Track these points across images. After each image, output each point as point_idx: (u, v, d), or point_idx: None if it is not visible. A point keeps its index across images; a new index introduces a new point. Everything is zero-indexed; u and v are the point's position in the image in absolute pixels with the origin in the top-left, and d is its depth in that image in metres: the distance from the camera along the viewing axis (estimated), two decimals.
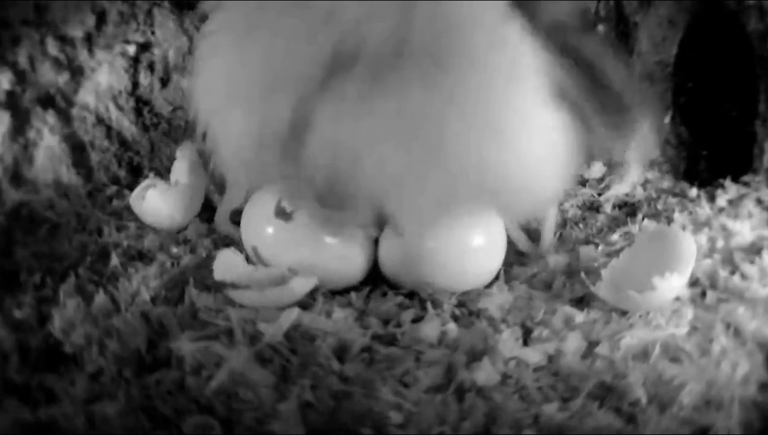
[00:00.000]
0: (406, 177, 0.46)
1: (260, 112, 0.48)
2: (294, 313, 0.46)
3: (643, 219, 0.63)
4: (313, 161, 0.47)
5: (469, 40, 0.46)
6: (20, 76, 0.66)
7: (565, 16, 0.51)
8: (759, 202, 0.65)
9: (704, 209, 0.64)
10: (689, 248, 0.50)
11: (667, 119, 0.73)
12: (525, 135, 0.47)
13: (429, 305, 0.49)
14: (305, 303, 0.48)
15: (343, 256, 0.51)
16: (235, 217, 0.58)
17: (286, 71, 0.47)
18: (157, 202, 0.61)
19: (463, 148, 0.46)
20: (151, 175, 0.68)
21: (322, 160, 0.47)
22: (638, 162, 0.55)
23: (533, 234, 0.59)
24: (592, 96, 0.50)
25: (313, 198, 0.49)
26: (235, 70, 0.49)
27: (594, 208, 0.67)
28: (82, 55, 0.69)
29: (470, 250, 0.52)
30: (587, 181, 0.73)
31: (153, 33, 0.72)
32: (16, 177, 0.65)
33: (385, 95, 0.45)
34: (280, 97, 0.47)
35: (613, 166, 0.72)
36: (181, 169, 0.64)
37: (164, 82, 0.73)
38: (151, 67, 0.72)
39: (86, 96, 0.70)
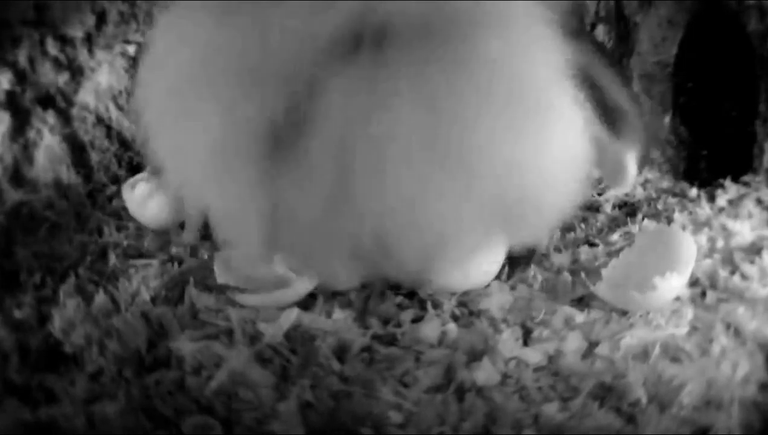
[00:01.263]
0: (428, 179, 0.41)
1: (238, 108, 0.41)
2: (294, 313, 0.46)
3: (643, 219, 0.63)
4: (318, 159, 0.41)
5: (502, 25, 0.42)
6: (20, 76, 0.65)
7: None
8: (759, 202, 0.64)
9: (704, 209, 0.63)
10: (689, 248, 0.50)
11: (667, 119, 0.73)
12: (556, 137, 0.44)
13: (429, 305, 0.49)
14: (305, 303, 0.48)
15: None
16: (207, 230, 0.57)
17: (278, 56, 0.40)
18: (147, 198, 0.60)
19: (491, 150, 0.41)
20: (148, 168, 0.67)
21: (327, 158, 0.41)
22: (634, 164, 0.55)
23: None
24: (601, 110, 0.48)
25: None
26: (201, 60, 0.42)
27: (594, 208, 0.67)
28: (82, 55, 0.69)
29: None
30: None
31: None
32: (16, 177, 0.65)
33: (410, 81, 0.39)
34: (269, 86, 0.40)
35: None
36: None
37: None
38: None
39: (86, 96, 0.70)
